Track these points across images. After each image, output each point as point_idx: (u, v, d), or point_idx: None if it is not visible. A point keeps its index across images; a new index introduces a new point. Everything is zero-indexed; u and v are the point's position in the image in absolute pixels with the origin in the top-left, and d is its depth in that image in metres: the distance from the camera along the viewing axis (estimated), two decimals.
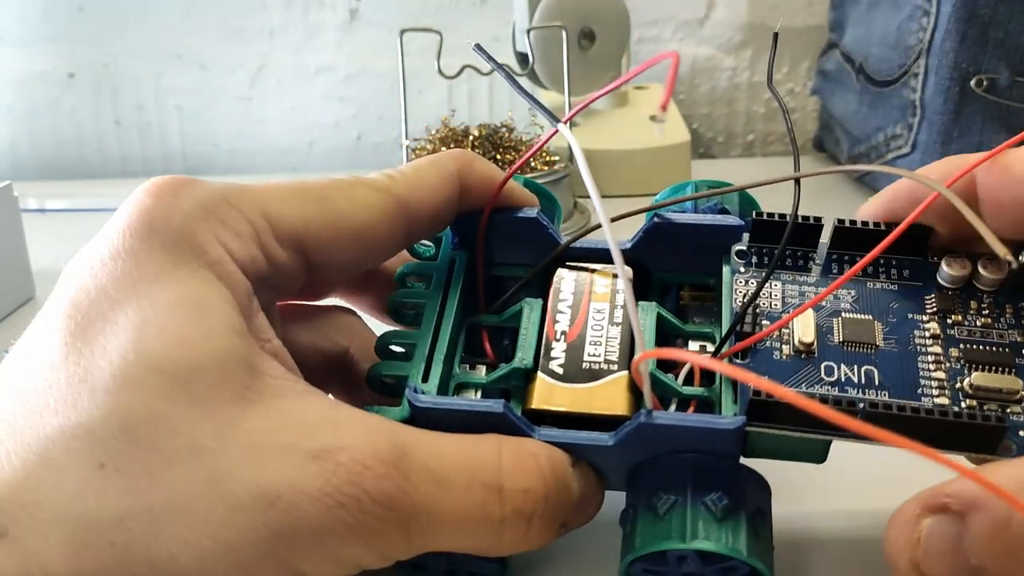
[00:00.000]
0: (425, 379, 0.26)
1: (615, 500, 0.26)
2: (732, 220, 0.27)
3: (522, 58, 0.64)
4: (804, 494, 0.29)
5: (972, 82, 0.51)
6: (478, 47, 0.28)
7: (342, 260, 0.26)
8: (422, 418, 0.25)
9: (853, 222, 0.27)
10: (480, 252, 0.28)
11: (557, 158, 0.58)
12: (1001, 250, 0.20)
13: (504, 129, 0.58)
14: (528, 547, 0.24)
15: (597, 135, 0.64)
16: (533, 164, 0.56)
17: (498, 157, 0.56)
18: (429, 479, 0.22)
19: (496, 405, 0.24)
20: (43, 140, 0.77)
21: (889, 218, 0.27)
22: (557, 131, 0.26)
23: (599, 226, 0.27)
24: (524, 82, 0.63)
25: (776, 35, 0.29)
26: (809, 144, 0.73)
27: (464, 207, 0.28)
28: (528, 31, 0.59)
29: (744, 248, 0.27)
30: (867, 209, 0.27)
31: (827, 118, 0.68)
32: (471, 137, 0.57)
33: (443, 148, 0.57)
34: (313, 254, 0.25)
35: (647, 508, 0.24)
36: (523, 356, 0.26)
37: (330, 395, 0.30)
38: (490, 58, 0.28)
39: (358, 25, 0.74)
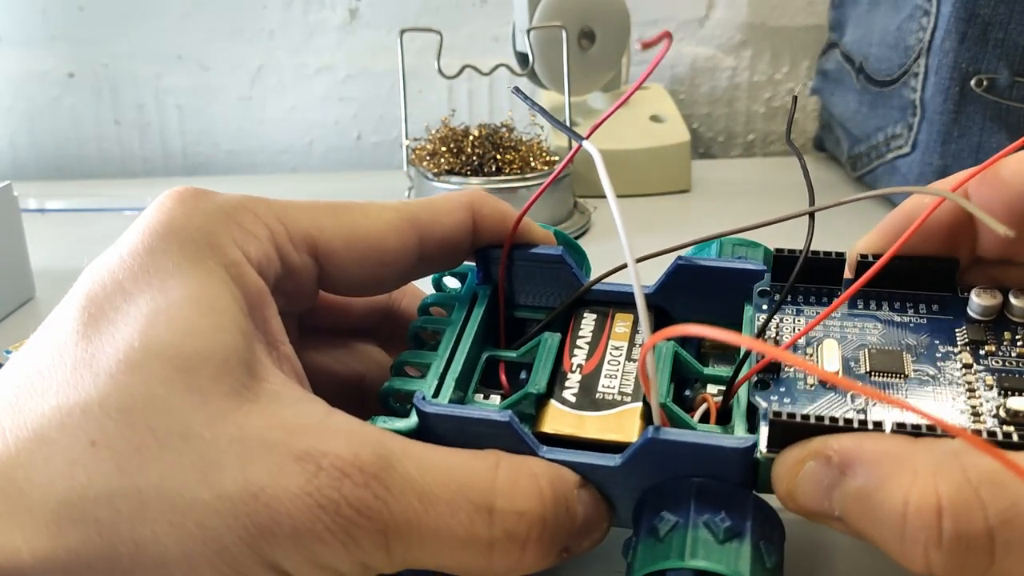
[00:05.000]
0: (436, 396, 0.25)
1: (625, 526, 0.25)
2: (754, 264, 0.28)
3: (522, 58, 0.64)
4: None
5: (972, 82, 0.51)
6: (516, 89, 0.29)
7: (356, 270, 0.26)
8: (429, 426, 0.24)
9: (876, 256, 0.26)
10: (501, 287, 0.29)
11: (557, 158, 0.58)
12: (1001, 228, 0.21)
13: (504, 129, 0.58)
14: (524, 571, 0.23)
15: (597, 135, 0.64)
16: (533, 164, 0.56)
17: (498, 157, 0.56)
18: (412, 492, 0.21)
19: (503, 415, 0.24)
20: (43, 140, 0.77)
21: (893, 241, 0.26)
22: (580, 147, 0.26)
23: (623, 267, 0.27)
24: (523, 82, 0.63)
25: (795, 98, 0.30)
26: (810, 144, 0.72)
27: (478, 243, 0.28)
28: (528, 31, 0.59)
29: (767, 287, 0.27)
30: (869, 241, 0.27)
31: (827, 118, 0.68)
32: (471, 137, 0.57)
33: (443, 148, 0.57)
34: (327, 260, 0.25)
35: (648, 532, 0.23)
36: (536, 382, 0.26)
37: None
38: (526, 98, 0.28)
39: (358, 25, 0.74)
